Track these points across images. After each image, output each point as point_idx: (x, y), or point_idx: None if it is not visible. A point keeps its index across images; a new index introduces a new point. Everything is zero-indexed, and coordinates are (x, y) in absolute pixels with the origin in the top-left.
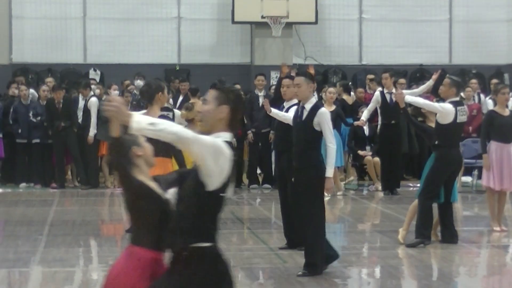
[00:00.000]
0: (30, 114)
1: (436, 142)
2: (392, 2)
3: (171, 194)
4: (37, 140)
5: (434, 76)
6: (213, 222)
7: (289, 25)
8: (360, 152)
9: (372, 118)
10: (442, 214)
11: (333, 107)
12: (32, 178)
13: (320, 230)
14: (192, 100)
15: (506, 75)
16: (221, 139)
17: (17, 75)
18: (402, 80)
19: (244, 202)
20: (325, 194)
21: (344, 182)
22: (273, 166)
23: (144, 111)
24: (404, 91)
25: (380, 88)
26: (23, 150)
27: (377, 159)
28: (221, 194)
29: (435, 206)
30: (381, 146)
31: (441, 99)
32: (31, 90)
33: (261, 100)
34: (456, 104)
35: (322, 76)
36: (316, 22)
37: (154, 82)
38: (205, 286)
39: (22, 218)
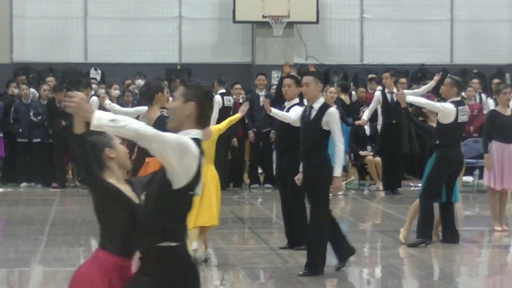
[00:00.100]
0: (31, 114)
1: (437, 142)
2: (393, 1)
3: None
4: (38, 140)
5: (436, 77)
6: (180, 221)
7: (290, 24)
8: (361, 152)
9: (372, 118)
10: (443, 213)
11: (334, 107)
12: (32, 178)
13: (323, 230)
14: None
15: (507, 75)
16: (189, 136)
17: (18, 74)
18: (402, 80)
19: (245, 202)
20: (333, 193)
21: (345, 182)
22: (274, 165)
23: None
24: (405, 91)
25: (380, 88)
26: (23, 150)
27: (378, 158)
28: (189, 193)
29: (436, 205)
30: (382, 146)
31: (442, 99)
32: (32, 90)
33: (261, 99)
34: (457, 104)
35: (323, 76)
36: (317, 22)
37: (153, 82)
38: (171, 286)
39: (23, 217)
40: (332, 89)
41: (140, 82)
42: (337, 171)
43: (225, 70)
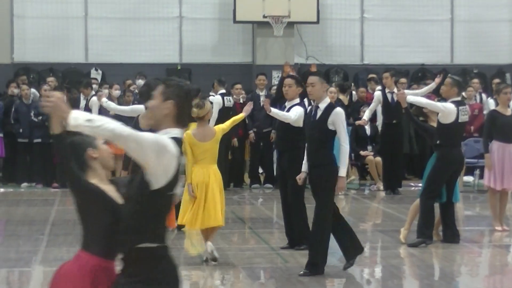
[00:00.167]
0: (32, 114)
1: (438, 142)
2: (393, 1)
3: None
4: (39, 140)
5: (437, 80)
6: (159, 222)
7: (290, 24)
8: (362, 152)
9: (372, 118)
10: (443, 213)
11: None
12: (33, 178)
13: (325, 229)
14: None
15: (508, 75)
16: (168, 136)
17: (18, 74)
18: (403, 80)
19: (245, 202)
20: (339, 193)
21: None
22: (274, 165)
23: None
24: (406, 91)
25: (379, 88)
26: (24, 150)
27: (378, 158)
28: (168, 193)
29: (436, 205)
30: (383, 146)
31: (443, 99)
32: (33, 90)
33: (262, 99)
34: (458, 103)
35: (324, 76)
36: (317, 22)
37: (153, 82)
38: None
39: (24, 217)
40: (332, 89)
41: (141, 82)
42: (342, 171)
43: (226, 70)
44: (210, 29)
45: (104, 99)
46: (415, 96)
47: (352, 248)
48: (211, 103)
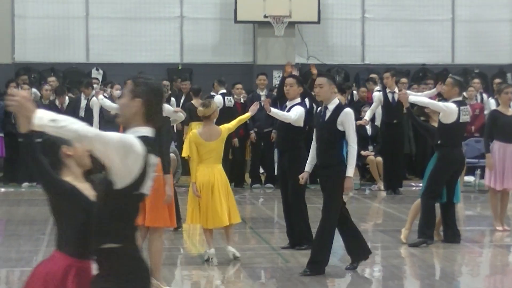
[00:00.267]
0: None
1: (439, 142)
2: (394, 1)
3: None
4: (40, 140)
5: (439, 86)
6: (125, 222)
7: (291, 24)
8: (363, 152)
9: (371, 118)
10: (444, 213)
11: None
12: (34, 178)
13: (331, 229)
14: (194, 100)
15: (508, 75)
16: (137, 135)
17: (19, 74)
18: (404, 80)
19: (246, 202)
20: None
21: None
22: (275, 165)
23: None
24: (408, 92)
25: (378, 88)
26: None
27: (379, 158)
28: (134, 193)
29: (437, 205)
30: (383, 146)
31: (444, 99)
32: (34, 90)
33: (262, 99)
34: (459, 103)
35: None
36: (318, 22)
37: None
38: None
39: (24, 217)
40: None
41: None
42: (350, 171)
43: (227, 70)
44: (211, 29)
45: (101, 96)
46: (418, 96)
47: (357, 251)
48: None
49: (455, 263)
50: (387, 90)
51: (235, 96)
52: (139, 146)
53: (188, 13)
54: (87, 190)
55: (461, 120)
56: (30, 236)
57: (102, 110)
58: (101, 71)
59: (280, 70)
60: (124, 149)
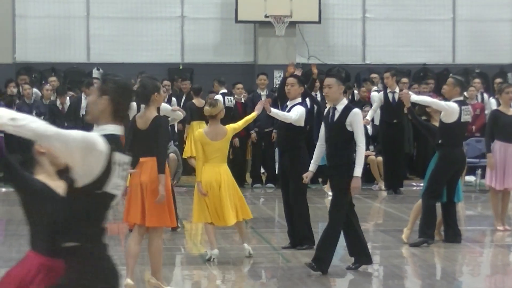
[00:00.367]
0: (33, 114)
1: (440, 141)
2: (395, 1)
3: None
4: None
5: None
6: (87, 221)
7: (292, 24)
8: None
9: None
10: (445, 213)
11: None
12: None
13: (336, 229)
14: (194, 99)
15: (509, 74)
16: (103, 132)
17: (20, 74)
18: (404, 79)
19: (247, 202)
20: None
21: None
22: (276, 165)
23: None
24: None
25: (375, 88)
26: None
27: (380, 158)
28: (96, 192)
29: (438, 205)
30: (383, 146)
31: (445, 99)
32: (35, 89)
33: (263, 99)
34: (460, 103)
35: (326, 76)
36: (319, 22)
37: (149, 82)
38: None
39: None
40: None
41: None
42: (358, 171)
43: (228, 70)
44: (212, 28)
45: None
46: (420, 96)
47: (360, 255)
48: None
49: (456, 263)
50: (388, 90)
51: (235, 96)
52: (102, 144)
53: (189, 13)
54: (60, 188)
55: (462, 120)
56: None
57: None
58: (102, 71)
59: (281, 70)
60: (86, 147)
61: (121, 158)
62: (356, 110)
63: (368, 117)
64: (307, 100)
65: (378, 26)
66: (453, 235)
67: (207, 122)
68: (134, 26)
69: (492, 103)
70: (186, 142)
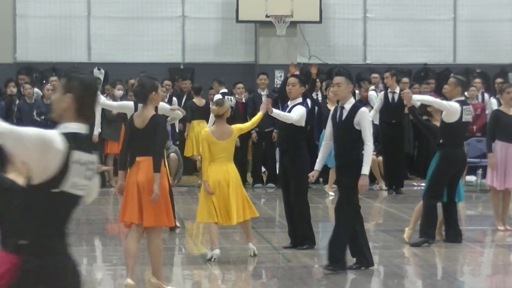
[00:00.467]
0: (34, 113)
1: (441, 141)
2: (396, 1)
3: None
4: None
5: None
6: (42, 219)
7: (293, 24)
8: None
9: None
10: (446, 213)
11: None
12: None
13: (345, 228)
14: (195, 99)
15: (510, 74)
16: (65, 130)
17: (21, 74)
18: (405, 79)
19: None
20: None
21: None
22: (277, 165)
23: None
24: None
25: (372, 87)
26: None
27: (381, 158)
28: (51, 190)
29: (439, 205)
30: (383, 146)
31: (446, 99)
32: (35, 89)
33: (263, 99)
34: (461, 103)
35: (327, 75)
36: (320, 21)
37: (147, 81)
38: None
39: None
40: (334, 88)
41: None
42: (365, 169)
43: (228, 70)
44: (213, 28)
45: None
46: (422, 95)
47: (362, 257)
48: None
49: (457, 263)
50: (388, 90)
51: (236, 96)
52: (59, 142)
53: (190, 12)
54: None
55: (463, 120)
56: None
57: (105, 110)
58: (103, 71)
59: (282, 70)
60: (41, 144)
61: (84, 157)
62: (363, 109)
63: (371, 118)
64: (308, 100)
65: (379, 26)
66: (454, 235)
67: (207, 121)
68: (135, 26)
69: (493, 103)
70: (186, 141)
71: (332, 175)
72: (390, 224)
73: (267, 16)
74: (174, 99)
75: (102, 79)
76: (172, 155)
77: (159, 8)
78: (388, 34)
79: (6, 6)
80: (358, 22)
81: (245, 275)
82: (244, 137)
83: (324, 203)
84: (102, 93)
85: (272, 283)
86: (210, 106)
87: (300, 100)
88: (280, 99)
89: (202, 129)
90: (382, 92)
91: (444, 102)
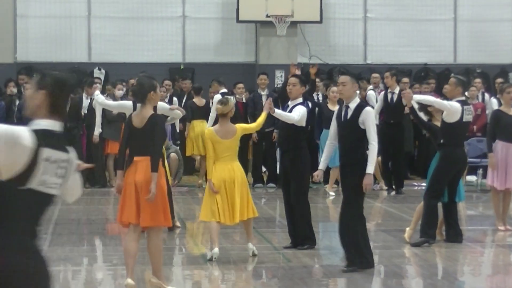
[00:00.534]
0: None
1: (441, 141)
2: (396, 1)
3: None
4: None
5: None
6: (9, 216)
7: (293, 24)
8: None
9: None
10: (446, 213)
11: (337, 107)
12: None
13: (355, 228)
14: (195, 98)
15: (510, 74)
16: (36, 127)
17: (21, 74)
18: (405, 79)
19: None
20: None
21: None
22: (277, 165)
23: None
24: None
25: (370, 87)
26: None
27: (379, 158)
28: (18, 187)
29: (440, 205)
30: (382, 146)
31: (446, 99)
32: None
33: (264, 99)
34: (462, 103)
35: (327, 75)
36: (321, 21)
37: (146, 81)
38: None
39: None
40: (334, 88)
41: None
42: (370, 168)
43: (229, 70)
44: (213, 28)
45: (97, 92)
46: (422, 95)
47: (362, 257)
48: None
49: (457, 263)
50: (388, 90)
51: (237, 96)
52: (27, 139)
53: (190, 12)
54: None
55: (464, 120)
56: None
57: (105, 109)
58: (103, 71)
59: (282, 70)
60: (8, 141)
61: (55, 154)
62: (368, 108)
63: None
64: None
65: (379, 26)
66: (454, 235)
67: (207, 121)
68: (135, 26)
69: (493, 103)
70: (187, 140)
71: (332, 175)
72: (391, 224)
73: (267, 16)
74: (175, 99)
75: (102, 79)
76: (173, 155)
77: (159, 8)
78: (389, 34)
79: (6, 6)
80: (358, 22)
81: (246, 275)
82: (245, 137)
83: (325, 203)
84: (103, 93)
85: (272, 283)
86: (211, 105)
87: (300, 100)
88: (281, 99)
89: (202, 129)
90: (383, 93)
91: (445, 102)
